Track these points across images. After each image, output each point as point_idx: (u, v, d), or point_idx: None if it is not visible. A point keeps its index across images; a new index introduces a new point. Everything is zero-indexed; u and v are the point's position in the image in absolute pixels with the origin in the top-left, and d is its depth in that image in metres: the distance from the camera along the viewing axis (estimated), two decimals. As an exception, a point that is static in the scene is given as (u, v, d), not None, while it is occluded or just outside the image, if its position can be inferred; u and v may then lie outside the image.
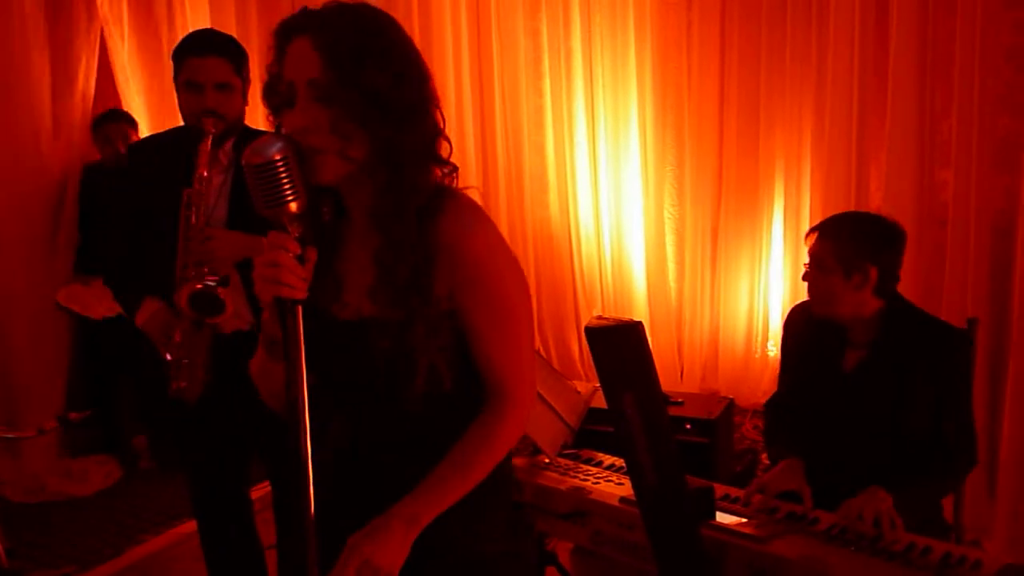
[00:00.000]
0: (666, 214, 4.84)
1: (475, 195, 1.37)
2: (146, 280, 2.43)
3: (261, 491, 2.75)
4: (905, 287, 2.32)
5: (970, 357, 2.31)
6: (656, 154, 4.80)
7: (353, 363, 1.36)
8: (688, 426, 3.12)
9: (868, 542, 1.91)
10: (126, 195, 2.50)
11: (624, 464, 2.10)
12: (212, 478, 2.58)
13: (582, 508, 2.23)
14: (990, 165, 3.41)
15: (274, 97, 1.28)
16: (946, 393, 2.16)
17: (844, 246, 2.18)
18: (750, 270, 4.58)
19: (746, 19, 4.40)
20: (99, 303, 4.10)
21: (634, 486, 1.89)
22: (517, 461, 2.37)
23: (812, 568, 1.85)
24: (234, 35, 2.70)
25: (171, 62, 2.42)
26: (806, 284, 2.28)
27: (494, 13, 5.04)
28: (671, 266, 4.87)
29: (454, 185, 1.36)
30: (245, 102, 2.43)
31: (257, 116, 1.39)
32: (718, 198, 4.66)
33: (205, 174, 2.32)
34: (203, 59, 2.34)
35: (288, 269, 1.19)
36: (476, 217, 1.33)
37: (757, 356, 4.61)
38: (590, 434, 2.69)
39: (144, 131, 4.27)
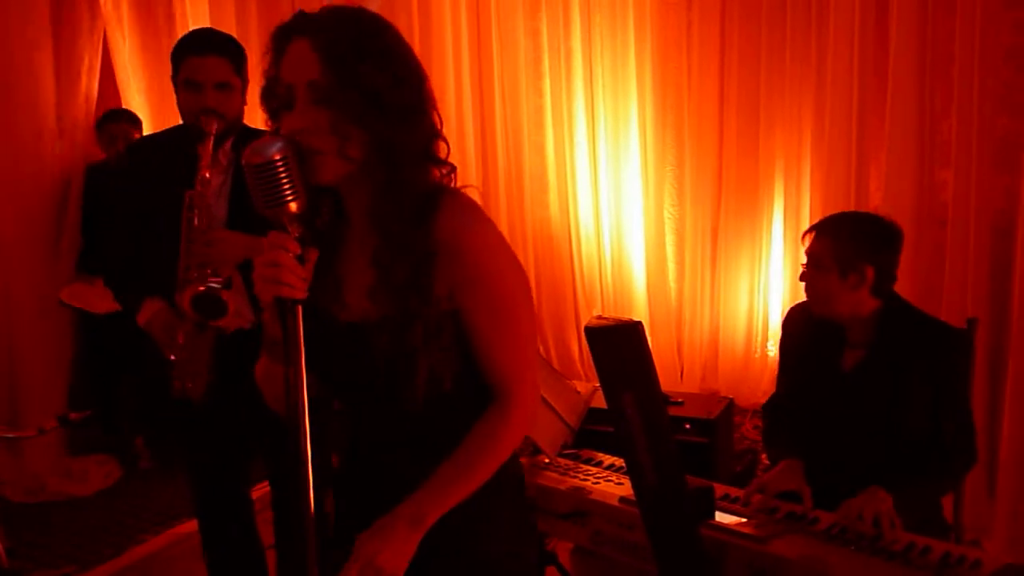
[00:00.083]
0: (666, 214, 4.84)
1: (474, 194, 1.37)
2: (147, 280, 2.43)
3: (261, 491, 2.75)
4: (905, 287, 2.32)
5: (968, 356, 2.31)
6: (656, 154, 4.80)
7: (353, 363, 1.36)
8: (688, 426, 3.13)
9: (868, 542, 1.91)
10: (126, 195, 2.50)
11: (624, 464, 2.10)
12: (214, 478, 2.58)
13: (582, 508, 2.23)
14: (990, 165, 3.41)
15: (272, 100, 1.28)
16: (944, 393, 2.17)
17: (841, 246, 2.18)
18: (750, 270, 4.58)
19: (746, 19, 4.40)
20: (101, 300, 4.10)
21: (634, 486, 1.89)
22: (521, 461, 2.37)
23: (812, 568, 1.85)
24: (234, 34, 2.70)
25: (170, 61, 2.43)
26: (803, 284, 2.28)
27: (494, 13, 5.04)
28: (671, 266, 4.87)
29: (452, 185, 1.36)
30: (244, 101, 2.43)
31: (256, 116, 1.39)
32: (718, 198, 4.66)
33: (207, 176, 2.32)
34: (203, 58, 2.34)
35: (288, 269, 1.19)
36: (475, 216, 1.33)
37: (757, 356, 4.61)
38: (590, 434, 2.69)
39: (147, 130, 4.27)
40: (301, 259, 1.21)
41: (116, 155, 4.14)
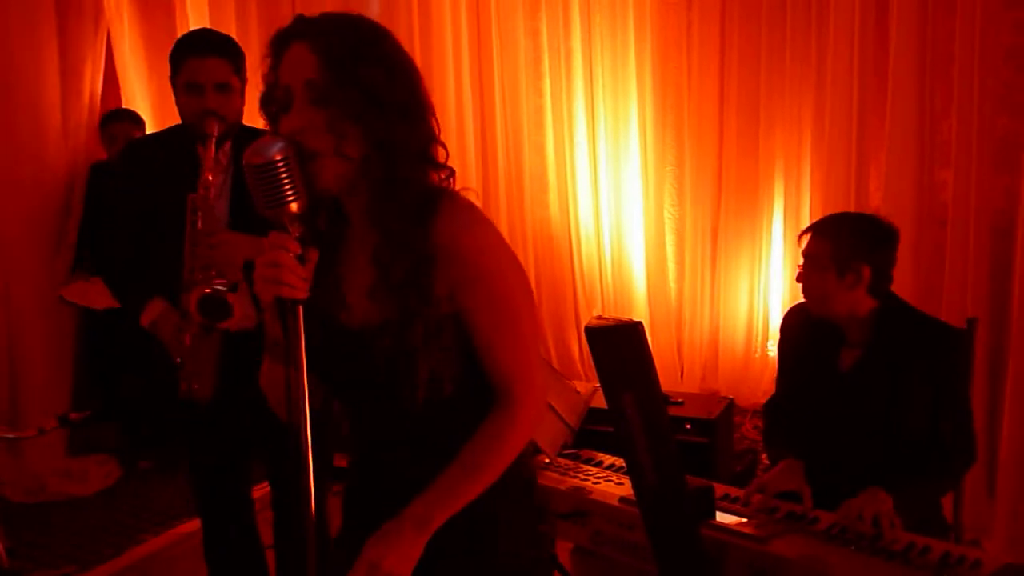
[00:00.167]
0: (666, 214, 4.84)
1: (472, 197, 1.37)
2: (148, 280, 2.43)
3: (261, 491, 2.76)
4: (905, 287, 2.33)
5: (967, 356, 2.31)
6: (656, 154, 4.80)
7: (354, 364, 1.36)
8: (688, 426, 3.13)
9: (868, 541, 1.91)
10: (126, 195, 2.50)
11: (624, 464, 2.10)
12: (216, 479, 2.58)
13: (582, 508, 2.23)
14: (990, 165, 3.41)
15: (271, 105, 1.29)
16: (943, 392, 2.17)
17: (838, 246, 2.19)
18: (750, 270, 4.58)
19: (746, 19, 4.40)
20: (101, 296, 4.10)
21: (634, 486, 1.89)
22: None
23: (812, 568, 1.85)
24: (233, 34, 2.71)
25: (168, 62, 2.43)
26: (800, 285, 2.29)
27: (494, 13, 5.04)
28: (671, 266, 4.87)
29: (451, 188, 1.36)
30: (243, 102, 2.43)
31: (255, 116, 1.39)
32: (718, 198, 4.66)
33: (210, 179, 2.32)
34: (203, 60, 2.34)
35: (289, 269, 1.19)
36: (473, 217, 1.33)
37: (757, 356, 4.61)
38: (590, 434, 2.70)
39: (150, 130, 4.27)
40: (302, 259, 1.22)
41: (118, 155, 4.14)
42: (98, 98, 4.39)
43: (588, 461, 2.49)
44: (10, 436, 3.46)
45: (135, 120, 4.31)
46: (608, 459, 2.49)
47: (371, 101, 1.24)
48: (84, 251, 4.28)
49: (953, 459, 2.18)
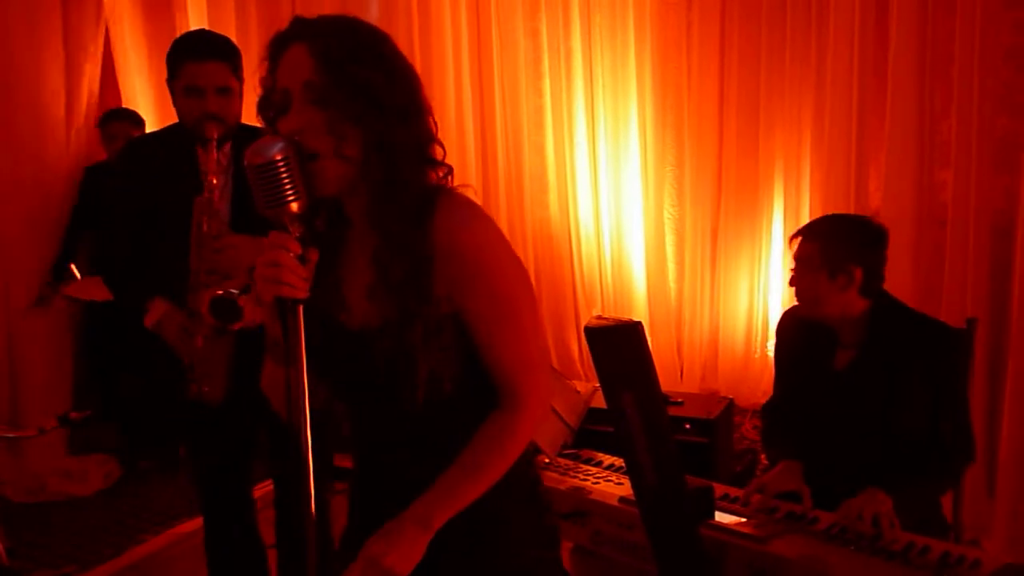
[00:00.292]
0: (666, 214, 4.84)
1: (471, 194, 1.36)
2: (149, 280, 2.43)
3: (261, 491, 2.76)
4: (905, 287, 2.33)
5: (965, 355, 2.32)
6: (656, 154, 4.80)
7: (354, 364, 1.36)
8: (688, 426, 3.13)
9: (867, 541, 1.91)
10: (125, 194, 2.50)
11: (624, 464, 2.11)
12: (219, 479, 2.59)
13: (582, 508, 2.23)
14: (989, 165, 3.41)
15: (269, 108, 1.28)
16: (942, 392, 2.17)
17: (829, 247, 2.20)
18: (750, 270, 4.57)
19: (746, 19, 4.39)
20: (101, 289, 4.11)
21: (634, 486, 1.90)
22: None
23: (812, 567, 1.85)
24: (233, 34, 2.70)
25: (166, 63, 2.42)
26: (793, 288, 2.30)
27: (494, 13, 5.03)
28: (671, 266, 4.87)
29: (450, 185, 1.36)
30: (241, 102, 2.43)
31: (254, 115, 1.39)
32: (718, 198, 4.66)
33: (215, 182, 2.32)
34: (202, 64, 2.33)
35: (289, 269, 1.19)
36: (472, 213, 1.32)
37: (757, 356, 4.60)
38: (590, 434, 2.70)
39: (151, 128, 4.27)
40: (302, 259, 1.21)
41: (117, 154, 4.14)
42: (96, 97, 4.39)
43: (588, 461, 2.50)
44: (10, 436, 3.47)
45: (135, 120, 4.31)
46: (608, 459, 2.49)
47: (370, 104, 1.24)
48: (62, 256, 4.25)
49: (952, 458, 2.19)
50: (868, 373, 2.21)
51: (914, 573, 1.80)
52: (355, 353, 1.34)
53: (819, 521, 2.03)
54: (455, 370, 1.33)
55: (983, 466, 3.26)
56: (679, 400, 3.31)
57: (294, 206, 1.20)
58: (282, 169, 1.19)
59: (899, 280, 3.26)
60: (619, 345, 1.77)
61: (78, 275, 4.29)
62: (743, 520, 2.04)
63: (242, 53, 2.46)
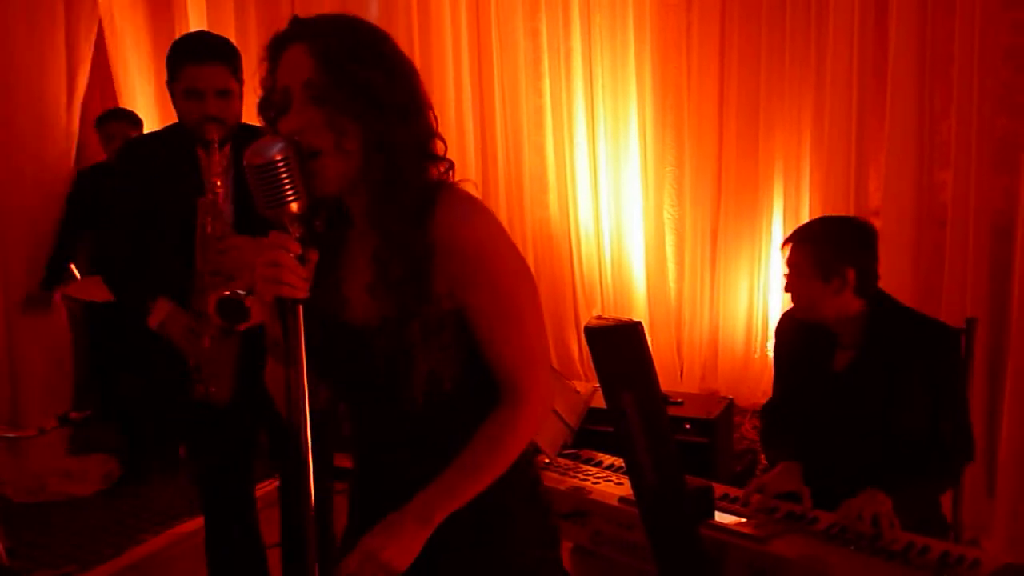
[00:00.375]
0: (666, 214, 4.84)
1: (471, 188, 1.36)
2: (149, 280, 2.43)
3: (261, 490, 2.76)
4: (905, 287, 2.33)
5: (964, 355, 2.32)
6: (656, 154, 4.80)
7: (354, 363, 1.36)
8: (688, 426, 3.13)
9: (867, 541, 1.91)
10: (124, 193, 2.50)
11: (624, 464, 2.11)
12: (221, 479, 2.59)
13: (582, 508, 2.23)
14: (989, 165, 3.41)
15: (270, 109, 1.28)
16: (942, 391, 2.17)
17: (819, 251, 2.20)
18: (750, 270, 4.58)
19: (746, 20, 4.39)
20: (101, 290, 4.10)
21: (634, 486, 1.90)
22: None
23: (812, 567, 1.85)
24: (232, 33, 2.71)
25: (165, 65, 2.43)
26: (788, 294, 2.30)
27: (494, 13, 5.03)
28: (671, 266, 4.87)
29: (450, 180, 1.35)
30: (241, 103, 2.43)
31: (254, 115, 1.39)
32: (718, 198, 4.66)
33: (219, 183, 2.32)
34: (202, 66, 2.33)
35: (289, 269, 1.19)
36: (472, 208, 1.32)
37: (757, 356, 4.60)
38: (590, 434, 2.70)
39: (149, 129, 4.27)
40: (302, 259, 1.21)
41: (116, 153, 4.14)
42: (83, 93, 4.37)
43: (588, 461, 2.50)
44: (10, 436, 3.47)
45: (133, 120, 4.31)
46: (608, 459, 2.49)
47: (370, 102, 1.23)
48: (55, 259, 4.24)
49: (952, 458, 2.19)
50: (867, 374, 2.21)
51: (914, 573, 1.80)
52: (355, 352, 1.34)
53: (819, 521, 2.04)
54: (455, 369, 1.33)
55: (983, 466, 3.26)
56: (679, 400, 3.31)
57: (294, 206, 1.20)
58: (282, 169, 1.19)
59: (899, 280, 3.26)
60: (619, 345, 1.77)
61: (78, 275, 4.29)
62: (743, 520, 2.04)
63: (242, 54, 2.46)
